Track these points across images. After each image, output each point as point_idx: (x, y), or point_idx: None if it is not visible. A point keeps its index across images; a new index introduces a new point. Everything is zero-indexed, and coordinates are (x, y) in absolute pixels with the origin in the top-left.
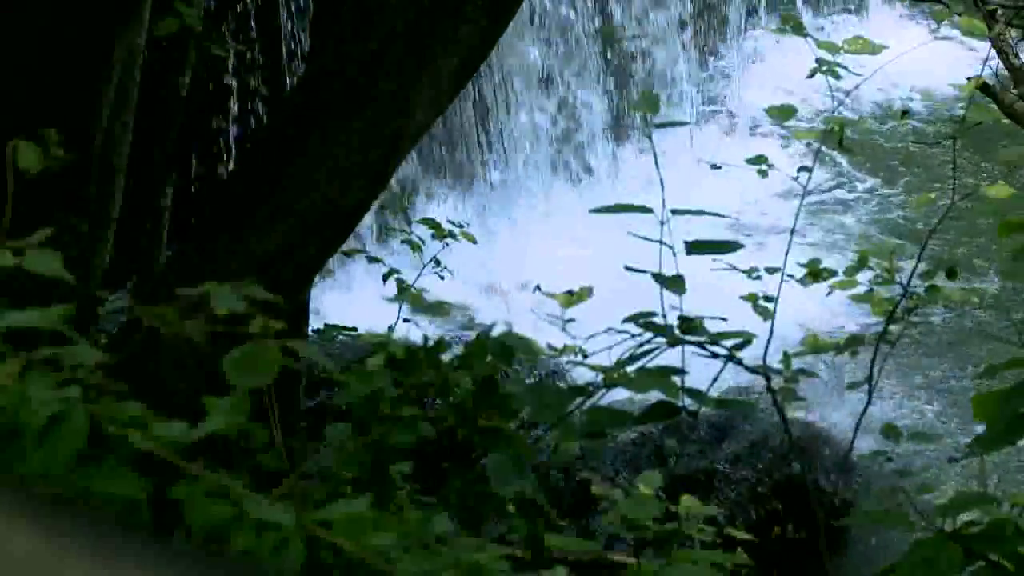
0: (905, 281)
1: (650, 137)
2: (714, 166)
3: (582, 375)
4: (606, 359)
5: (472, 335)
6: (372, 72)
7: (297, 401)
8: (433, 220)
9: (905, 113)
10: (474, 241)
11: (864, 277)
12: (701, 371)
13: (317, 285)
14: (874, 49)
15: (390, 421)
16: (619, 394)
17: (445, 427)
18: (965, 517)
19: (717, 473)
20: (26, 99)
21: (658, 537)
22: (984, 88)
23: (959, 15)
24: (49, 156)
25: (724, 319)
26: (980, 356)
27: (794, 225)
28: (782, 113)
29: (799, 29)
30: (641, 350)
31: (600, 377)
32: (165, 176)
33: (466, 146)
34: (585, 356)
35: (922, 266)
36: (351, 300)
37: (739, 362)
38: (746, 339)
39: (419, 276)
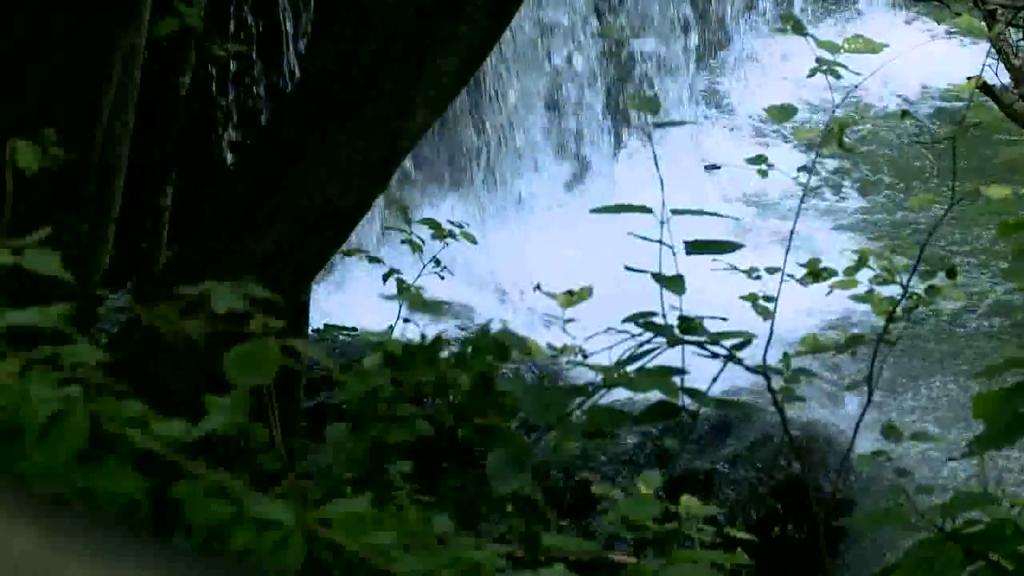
0: (905, 281)
1: (650, 137)
2: (714, 166)
3: (582, 375)
4: (606, 359)
5: (471, 334)
6: (372, 72)
7: (297, 401)
8: (433, 220)
9: (905, 113)
10: (474, 241)
11: (864, 277)
12: (701, 371)
13: (317, 285)
14: (874, 48)
15: (388, 420)
16: (619, 394)
17: (444, 426)
18: (965, 517)
19: (717, 473)
20: (26, 99)
21: (658, 537)
22: (984, 88)
23: (959, 15)
24: (48, 155)
25: (724, 319)
26: (980, 356)
27: (794, 225)
28: (782, 113)
29: (799, 28)
30: (641, 350)
31: (600, 377)
32: (165, 176)
33: (465, 146)
34: (585, 356)
35: (922, 266)
36: (351, 300)
37: (739, 362)
38: (746, 339)
39: (419, 276)
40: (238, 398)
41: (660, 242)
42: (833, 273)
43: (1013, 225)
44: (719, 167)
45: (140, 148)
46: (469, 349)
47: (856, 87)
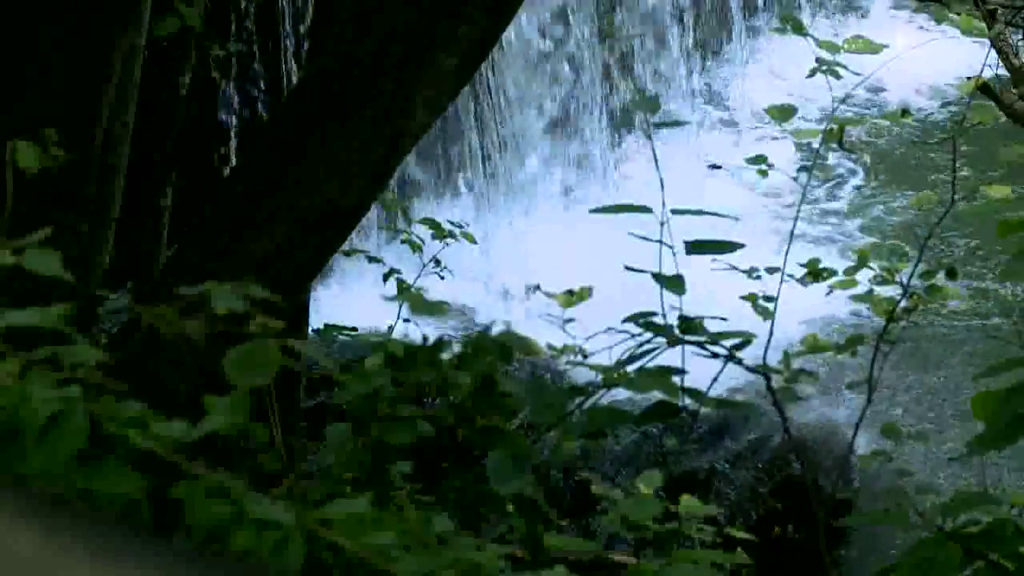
0: (905, 281)
1: (650, 137)
2: (714, 166)
3: (582, 375)
4: (606, 359)
5: (472, 335)
6: (372, 72)
7: (297, 401)
8: (433, 220)
9: (905, 113)
10: (474, 241)
11: (864, 277)
12: (701, 371)
13: (317, 285)
14: (874, 48)
15: (388, 420)
16: (619, 394)
17: (445, 426)
18: (965, 517)
19: (717, 473)
20: (26, 99)
21: (658, 537)
22: (984, 88)
23: (959, 15)
24: (48, 155)
25: (724, 319)
26: (980, 356)
27: (794, 225)
28: (782, 113)
29: (799, 28)
30: (641, 350)
31: (600, 377)
32: (165, 176)
33: (465, 146)
34: (585, 356)
35: (922, 266)
36: (351, 300)
37: (739, 362)
38: (746, 339)
39: (419, 276)
40: (238, 398)
41: (660, 242)
42: (833, 273)
43: (1013, 225)
44: (720, 167)
45: (140, 148)
46: (470, 349)
47: (856, 87)
